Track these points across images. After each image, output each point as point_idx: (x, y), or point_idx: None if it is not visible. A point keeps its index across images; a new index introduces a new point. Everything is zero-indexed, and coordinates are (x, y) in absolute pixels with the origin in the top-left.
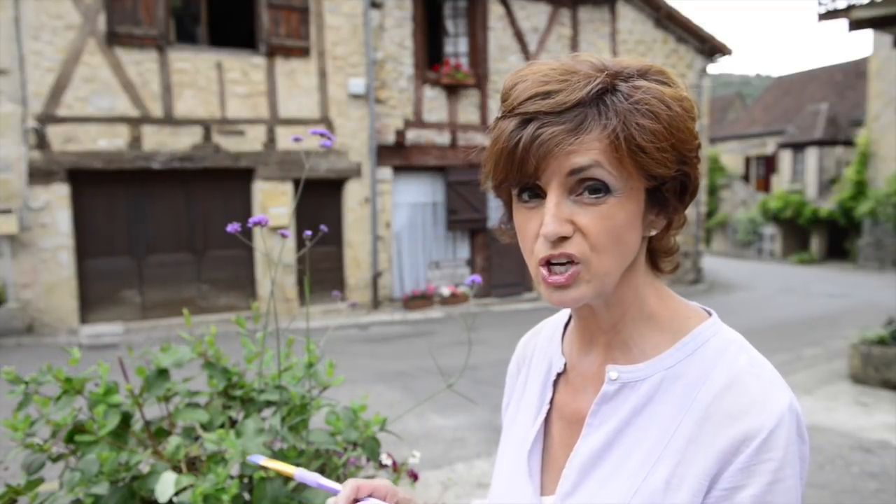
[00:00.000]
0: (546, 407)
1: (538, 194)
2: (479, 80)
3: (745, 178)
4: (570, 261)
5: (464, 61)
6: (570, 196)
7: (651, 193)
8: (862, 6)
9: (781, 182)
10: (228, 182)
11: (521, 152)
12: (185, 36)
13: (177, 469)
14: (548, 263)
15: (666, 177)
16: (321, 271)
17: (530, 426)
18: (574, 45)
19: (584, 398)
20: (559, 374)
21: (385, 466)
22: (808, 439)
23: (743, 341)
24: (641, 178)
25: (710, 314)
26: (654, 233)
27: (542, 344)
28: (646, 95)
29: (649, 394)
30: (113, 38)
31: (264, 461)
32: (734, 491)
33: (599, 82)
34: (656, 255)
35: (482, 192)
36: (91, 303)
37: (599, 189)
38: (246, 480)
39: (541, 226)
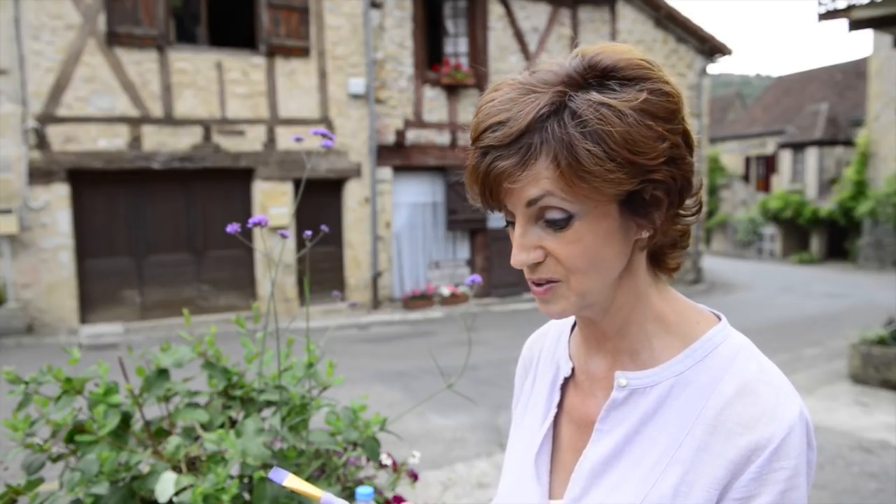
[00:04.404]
0: (554, 410)
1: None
2: (479, 80)
3: (745, 178)
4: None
5: (464, 61)
6: (538, 222)
7: (627, 202)
8: (862, 6)
9: (781, 182)
10: (228, 182)
11: (481, 185)
12: (185, 36)
13: (177, 469)
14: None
15: (630, 191)
16: (321, 271)
17: (538, 429)
18: (574, 45)
19: (594, 402)
20: (567, 378)
21: (385, 466)
22: (815, 446)
23: (752, 347)
24: (604, 196)
25: (718, 318)
26: (646, 234)
27: (549, 346)
28: (595, 111)
29: (659, 400)
30: (113, 38)
31: (288, 481)
32: (746, 500)
33: (545, 104)
34: (659, 252)
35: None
36: (91, 303)
37: (559, 216)
38: (246, 480)
39: None
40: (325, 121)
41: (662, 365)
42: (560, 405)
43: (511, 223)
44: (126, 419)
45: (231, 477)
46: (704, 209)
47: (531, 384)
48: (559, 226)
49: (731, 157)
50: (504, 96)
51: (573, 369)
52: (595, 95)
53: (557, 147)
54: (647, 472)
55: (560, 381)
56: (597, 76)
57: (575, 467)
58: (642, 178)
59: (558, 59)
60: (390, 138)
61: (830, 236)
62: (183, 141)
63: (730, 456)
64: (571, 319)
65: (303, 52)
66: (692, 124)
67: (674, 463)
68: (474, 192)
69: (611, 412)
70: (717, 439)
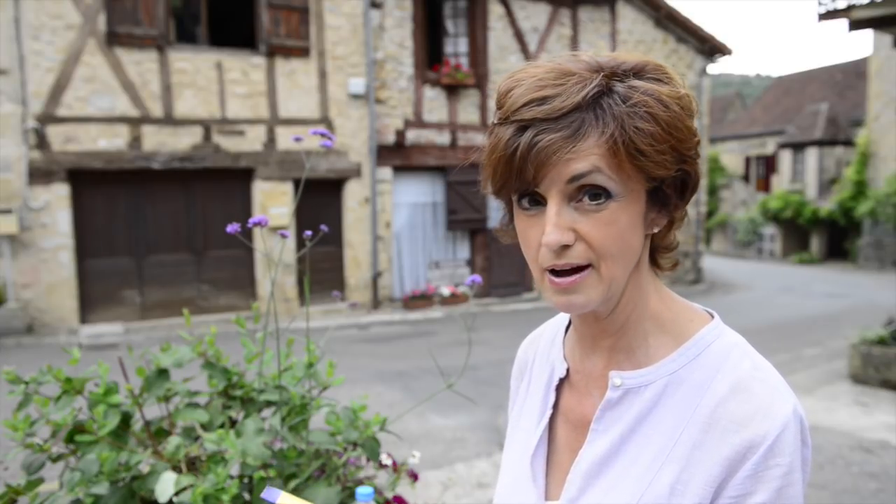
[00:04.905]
0: (549, 411)
1: (538, 201)
2: (479, 80)
3: (745, 178)
4: (576, 267)
5: (464, 61)
6: (571, 203)
7: (652, 192)
8: (862, 6)
9: (781, 182)
10: (228, 182)
11: (519, 161)
12: (185, 36)
13: (177, 469)
14: (552, 271)
15: (666, 177)
16: (321, 271)
17: (534, 430)
18: (574, 45)
19: (589, 402)
20: (562, 379)
21: (385, 466)
22: (810, 443)
23: (745, 345)
24: (641, 180)
25: (712, 316)
26: (656, 230)
27: (544, 348)
28: (643, 97)
29: (654, 399)
30: (113, 38)
31: (281, 499)
32: (743, 498)
33: (596, 85)
34: (657, 252)
35: (482, 192)
36: (91, 303)
37: (600, 195)
38: (246, 480)
39: (542, 234)
40: (325, 121)
41: (656, 364)
42: (556, 406)
43: (532, 205)
44: (126, 419)
45: (231, 477)
46: (704, 210)
47: (526, 386)
48: (599, 202)
49: (731, 157)
50: (542, 75)
51: (568, 370)
52: (641, 83)
53: (614, 124)
54: (643, 472)
55: (555, 382)
56: (628, 71)
57: (571, 468)
58: (679, 165)
59: (581, 54)
60: (390, 138)
61: (830, 236)
62: (183, 141)
63: (725, 454)
64: (566, 320)
65: (303, 52)
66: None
67: (669, 462)
68: (499, 172)
69: (606, 412)
70: (712, 437)
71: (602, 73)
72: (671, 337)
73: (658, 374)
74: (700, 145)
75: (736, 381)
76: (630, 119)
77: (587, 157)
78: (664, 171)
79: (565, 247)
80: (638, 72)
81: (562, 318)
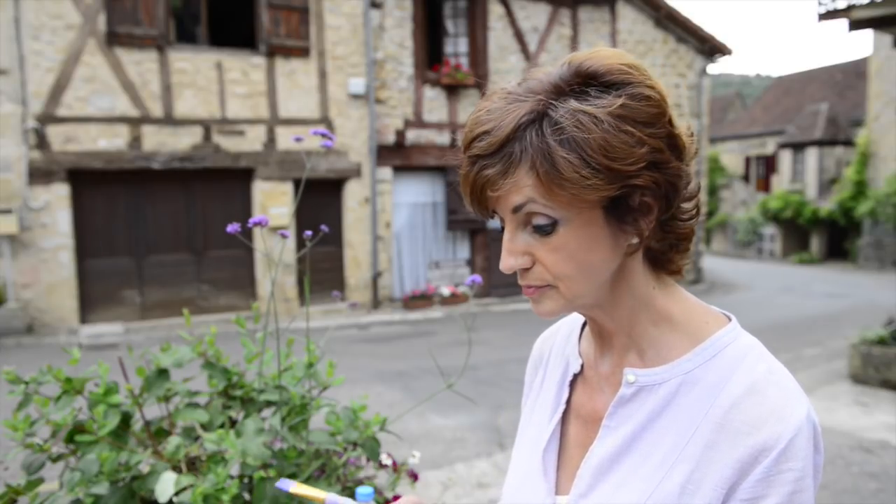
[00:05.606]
0: (562, 407)
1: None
2: (480, 80)
3: (745, 178)
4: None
5: (464, 61)
6: (526, 228)
7: (612, 207)
8: (862, 6)
9: (781, 182)
10: (228, 182)
11: (471, 193)
12: (185, 36)
13: (177, 469)
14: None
15: (611, 197)
16: (321, 271)
17: (546, 425)
18: (574, 45)
19: (602, 398)
20: (576, 375)
21: (385, 466)
22: (822, 449)
23: (761, 348)
24: (589, 200)
25: (729, 319)
26: (635, 241)
27: (560, 343)
28: (573, 119)
29: (667, 398)
30: (113, 38)
31: (294, 488)
32: (754, 501)
33: (525, 113)
34: (659, 255)
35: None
36: (91, 303)
37: (544, 222)
38: (246, 480)
39: None
40: (325, 121)
41: (671, 363)
42: (568, 402)
43: (503, 226)
44: (126, 419)
45: (231, 477)
46: (704, 210)
47: (541, 381)
48: (545, 231)
49: (731, 157)
50: (492, 105)
51: (582, 366)
52: (573, 103)
53: (535, 155)
54: (653, 470)
55: (569, 378)
56: (579, 83)
57: (581, 463)
58: (621, 183)
59: (548, 68)
60: (390, 138)
61: (830, 236)
62: (183, 141)
63: (737, 455)
64: (583, 318)
65: (303, 52)
66: (691, 125)
67: (681, 461)
68: (468, 198)
69: (618, 409)
70: (725, 438)
71: (537, 98)
72: (686, 337)
73: (672, 372)
74: (661, 151)
75: (751, 383)
76: (553, 147)
77: (521, 190)
78: (600, 193)
79: (526, 269)
80: (589, 80)
81: (579, 315)
